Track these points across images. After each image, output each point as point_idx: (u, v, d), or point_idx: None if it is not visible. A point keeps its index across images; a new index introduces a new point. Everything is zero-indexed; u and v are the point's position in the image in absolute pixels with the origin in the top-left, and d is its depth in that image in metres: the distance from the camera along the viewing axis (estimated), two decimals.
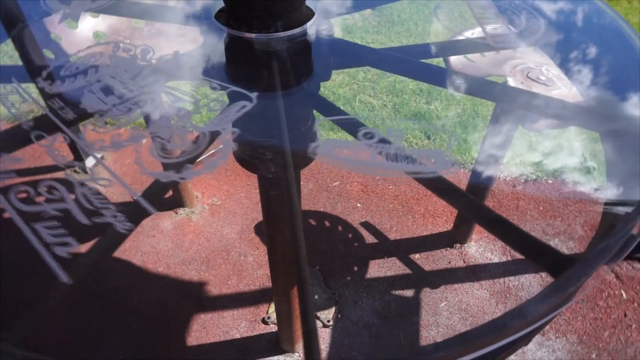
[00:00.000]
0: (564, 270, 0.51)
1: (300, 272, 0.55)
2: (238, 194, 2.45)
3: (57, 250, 0.60)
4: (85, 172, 2.52)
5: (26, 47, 1.32)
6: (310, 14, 0.87)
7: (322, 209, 2.36)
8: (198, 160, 0.73)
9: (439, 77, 0.94)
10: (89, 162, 2.56)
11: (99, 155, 2.61)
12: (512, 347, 0.54)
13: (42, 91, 0.81)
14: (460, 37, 1.68)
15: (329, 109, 0.81)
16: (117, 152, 2.64)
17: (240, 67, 0.84)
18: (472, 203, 0.74)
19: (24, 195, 0.71)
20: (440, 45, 1.17)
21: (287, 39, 0.81)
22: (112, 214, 0.65)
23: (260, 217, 2.32)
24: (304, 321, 0.49)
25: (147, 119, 0.82)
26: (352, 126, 0.76)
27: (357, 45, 0.96)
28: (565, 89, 1.46)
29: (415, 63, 0.94)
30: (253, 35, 0.80)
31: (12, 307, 1.77)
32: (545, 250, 0.60)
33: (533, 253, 0.62)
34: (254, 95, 0.75)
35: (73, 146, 2.49)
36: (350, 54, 0.91)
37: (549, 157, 2.51)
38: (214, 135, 0.72)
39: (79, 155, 2.54)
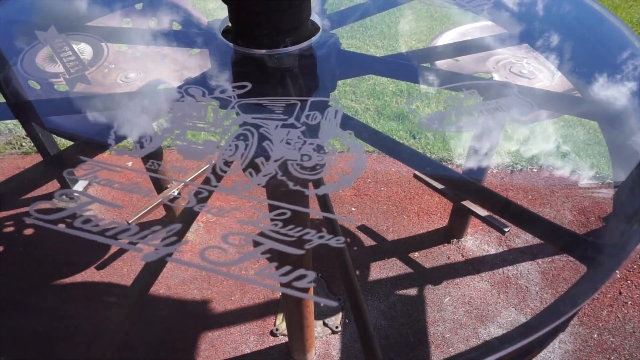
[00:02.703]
0: (595, 257, 0.54)
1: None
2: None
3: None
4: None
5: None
6: (315, 29, 0.89)
7: (317, 216, 2.37)
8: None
9: (438, 78, 0.97)
10: (77, 189, 2.52)
11: (85, 183, 2.57)
12: (555, 334, 0.56)
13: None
14: (442, 38, 1.73)
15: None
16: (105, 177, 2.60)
17: (253, 83, 0.85)
18: (496, 198, 0.77)
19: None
20: (441, 49, 1.21)
21: (298, 53, 0.83)
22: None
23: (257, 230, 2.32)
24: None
25: (262, 148, 0.80)
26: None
27: (361, 54, 0.98)
28: (547, 80, 1.52)
29: (414, 67, 0.96)
30: (263, 51, 0.82)
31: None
32: (574, 238, 0.63)
33: (561, 242, 0.65)
34: (334, 100, 0.78)
35: (59, 175, 2.45)
36: (354, 64, 0.93)
37: (528, 146, 2.58)
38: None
39: (65, 184, 2.50)
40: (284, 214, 0.71)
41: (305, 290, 0.61)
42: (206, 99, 0.81)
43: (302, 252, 0.65)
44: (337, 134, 0.78)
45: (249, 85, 0.83)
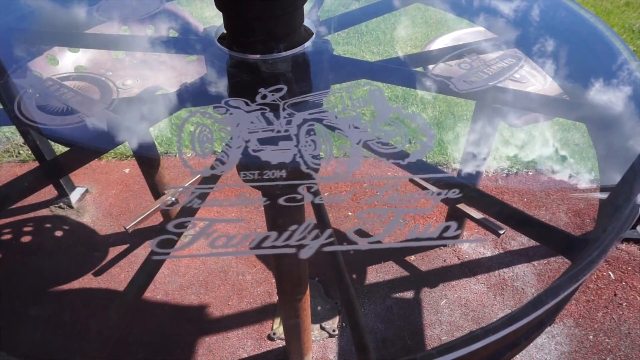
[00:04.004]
0: (578, 252, 0.56)
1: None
2: (228, 214, 2.45)
3: None
4: (71, 207, 2.49)
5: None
6: (308, 34, 0.92)
7: (313, 222, 2.38)
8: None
9: (428, 83, 0.99)
10: (74, 196, 2.53)
11: (83, 189, 2.58)
12: (541, 327, 0.58)
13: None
14: (436, 43, 1.76)
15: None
16: (102, 185, 2.62)
17: (247, 87, 0.87)
18: (491, 201, 0.79)
19: None
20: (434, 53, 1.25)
21: (291, 58, 0.85)
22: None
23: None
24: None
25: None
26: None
27: (353, 59, 1.00)
28: (540, 84, 1.54)
29: (407, 72, 0.99)
30: (258, 56, 0.84)
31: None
32: (557, 233, 0.65)
33: (545, 238, 0.67)
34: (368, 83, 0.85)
35: (57, 183, 2.46)
36: (347, 69, 0.96)
37: (525, 150, 2.61)
38: None
39: (63, 191, 2.51)
40: (396, 185, 0.77)
41: (456, 237, 0.67)
42: (253, 108, 0.83)
43: (432, 210, 0.70)
44: (392, 111, 0.85)
45: (285, 88, 0.86)
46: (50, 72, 1.50)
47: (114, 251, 2.28)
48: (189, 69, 1.53)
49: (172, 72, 1.52)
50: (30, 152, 2.77)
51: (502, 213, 0.76)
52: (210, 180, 0.77)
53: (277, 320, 1.97)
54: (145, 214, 2.00)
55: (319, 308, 1.99)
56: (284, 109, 0.83)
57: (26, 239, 2.35)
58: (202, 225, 0.72)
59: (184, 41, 1.24)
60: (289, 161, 0.79)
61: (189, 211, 0.74)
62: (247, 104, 0.83)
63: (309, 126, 0.82)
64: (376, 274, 2.14)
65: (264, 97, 0.84)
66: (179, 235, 0.70)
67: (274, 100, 0.84)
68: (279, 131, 0.82)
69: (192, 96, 0.93)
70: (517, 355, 1.87)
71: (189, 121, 0.87)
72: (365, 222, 0.73)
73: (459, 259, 2.18)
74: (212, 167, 0.78)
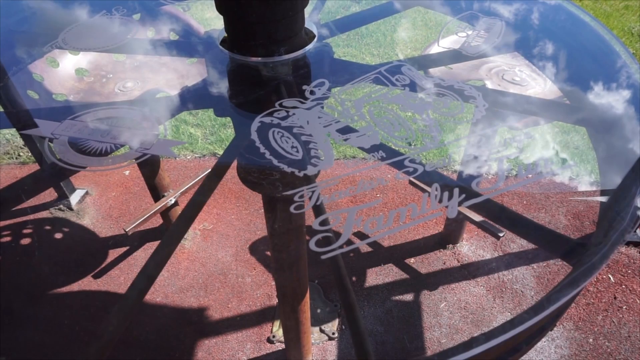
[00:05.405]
0: (579, 256, 0.56)
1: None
2: (229, 217, 2.46)
3: None
4: (71, 209, 2.49)
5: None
6: (309, 38, 0.92)
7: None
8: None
9: (432, 85, 0.99)
10: (74, 199, 2.53)
11: (83, 191, 2.58)
12: (542, 332, 0.58)
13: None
14: (437, 46, 1.76)
15: None
16: (102, 187, 2.62)
17: (248, 90, 0.87)
18: (490, 203, 0.79)
19: None
20: (431, 57, 1.25)
21: (292, 62, 0.86)
22: None
23: (254, 238, 2.33)
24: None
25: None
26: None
27: (353, 63, 1.01)
28: (540, 87, 1.55)
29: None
30: (259, 59, 0.84)
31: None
32: (557, 238, 0.65)
33: (545, 242, 0.67)
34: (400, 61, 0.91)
35: (57, 185, 2.46)
36: (347, 72, 0.96)
37: (525, 152, 2.60)
38: None
39: (63, 193, 2.51)
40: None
41: None
42: (310, 104, 0.83)
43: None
44: (430, 81, 0.89)
45: (326, 82, 0.87)
46: (50, 74, 1.50)
47: (113, 253, 2.28)
48: (188, 71, 1.53)
49: (172, 75, 1.52)
50: (30, 154, 2.77)
51: (501, 216, 0.76)
52: (318, 176, 0.77)
53: (277, 323, 1.96)
54: (145, 216, 2.00)
55: (319, 311, 1.99)
56: (341, 100, 0.84)
57: (26, 241, 2.34)
58: (344, 216, 0.73)
59: (185, 44, 1.25)
60: (379, 143, 0.80)
61: (323, 208, 0.75)
62: (301, 102, 0.83)
63: (374, 109, 0.84)
64: (376, 276, 2.13)
65: (312, 92, 0.85)
66: (328, 231, 0.70)
67: (324, 94, 0.85)
68: (350, 119, 0.83)
69: (193, 98, 0.93)
70: None
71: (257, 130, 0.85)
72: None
73: (458, 261, 2.18)
74: (314, 165, 0.78)
